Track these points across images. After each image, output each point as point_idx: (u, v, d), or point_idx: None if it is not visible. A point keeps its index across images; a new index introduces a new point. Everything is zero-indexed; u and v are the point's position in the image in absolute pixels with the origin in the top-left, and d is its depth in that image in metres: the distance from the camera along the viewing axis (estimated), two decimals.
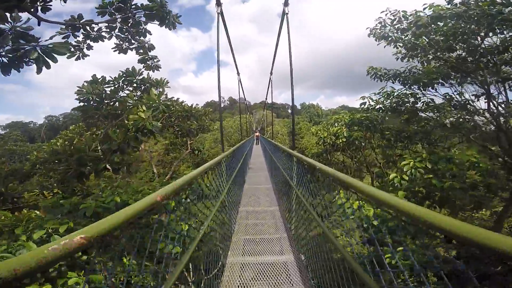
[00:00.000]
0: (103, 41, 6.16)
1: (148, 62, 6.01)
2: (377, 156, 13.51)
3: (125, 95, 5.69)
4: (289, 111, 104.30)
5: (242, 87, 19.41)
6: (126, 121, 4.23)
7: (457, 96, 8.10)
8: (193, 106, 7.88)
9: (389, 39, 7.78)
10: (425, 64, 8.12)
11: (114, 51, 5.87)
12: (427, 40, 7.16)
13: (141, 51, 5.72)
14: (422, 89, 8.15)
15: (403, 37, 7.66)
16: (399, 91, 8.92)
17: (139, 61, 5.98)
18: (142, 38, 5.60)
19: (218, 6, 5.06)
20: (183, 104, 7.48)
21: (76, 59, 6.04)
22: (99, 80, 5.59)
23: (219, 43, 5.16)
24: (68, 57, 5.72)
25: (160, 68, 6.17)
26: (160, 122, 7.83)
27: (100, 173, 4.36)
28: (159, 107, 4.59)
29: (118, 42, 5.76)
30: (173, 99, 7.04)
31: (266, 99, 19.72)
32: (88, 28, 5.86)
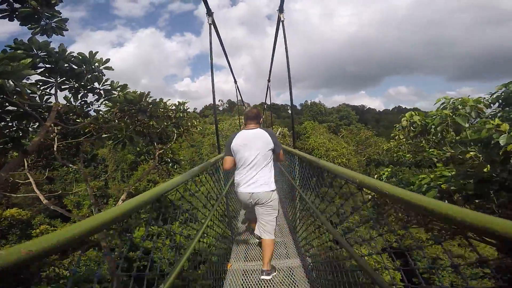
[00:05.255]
0: None
1: (42, 22, 3.44)
2: None
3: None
4: (289, 111, 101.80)
5: (240, 92, 17.07)
6: None
7: None
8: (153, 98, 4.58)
9: None
10: None
11: (1, 17, 3.42)
12: None
13: (35, 3, 3.16)
14: None
15: None
16: None
17: (21, 22, 3.37)
18: None
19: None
20: (129, 92, 4.29)
21: None
22: None
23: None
24: None
25: (66, 30, 3.65)
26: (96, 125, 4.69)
27: None
28: None
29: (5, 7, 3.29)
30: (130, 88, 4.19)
31: (265, 101, 17.75)
32: None
